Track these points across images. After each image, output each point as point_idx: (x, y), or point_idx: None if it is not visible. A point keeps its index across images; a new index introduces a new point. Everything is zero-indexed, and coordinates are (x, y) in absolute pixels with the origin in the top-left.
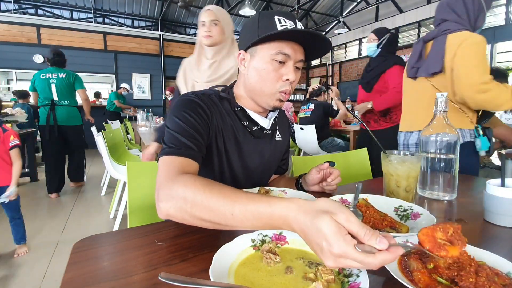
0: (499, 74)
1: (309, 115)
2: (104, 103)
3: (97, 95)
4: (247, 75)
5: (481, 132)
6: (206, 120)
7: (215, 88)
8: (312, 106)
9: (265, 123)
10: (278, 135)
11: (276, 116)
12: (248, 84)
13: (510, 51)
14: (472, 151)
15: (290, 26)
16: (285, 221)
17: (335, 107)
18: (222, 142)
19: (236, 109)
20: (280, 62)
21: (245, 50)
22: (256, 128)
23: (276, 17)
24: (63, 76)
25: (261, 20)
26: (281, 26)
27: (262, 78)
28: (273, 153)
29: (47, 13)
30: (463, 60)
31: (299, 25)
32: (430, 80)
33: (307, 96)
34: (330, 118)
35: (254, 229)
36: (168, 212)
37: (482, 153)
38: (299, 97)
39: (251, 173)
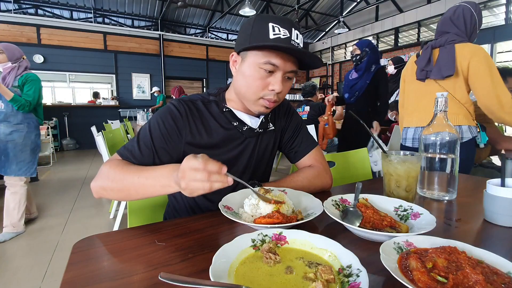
0: (510, 73)
1: (305, 118)
2: (104, 103)
3: (96, 95)
4: (236, 78)
5: (479, 128)
6: (175, 130)
7: (211, 91)
8: (307, 108)
9: (254, 123)
10: (270, 125)
11: (269, 114)
12: (236, 86)
13: (510, 51)
14: (474, 145)
15: (283, 35)
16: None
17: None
18: (206, 144)
19: (224, 110)
20: (269, 72)
21: (238, 53)
22: (246, 127)
23: (270, 24)
24: None
25: (255, 25)
26: (274, 34)
27: (248, 84)
28: (265, 147)
29: (47, 13)
30: (481, 78)
31: (294, 34)
32: (439, 83)
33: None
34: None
35: (152, 189)
36: (95, 189)
37: (482, 146)
38: (299, 97)
39: (245, 169)
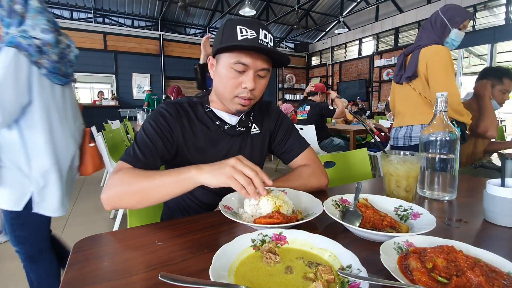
0: (506, 74)
1: (306, 118)
2: (104, 103)
3: (101, 93)
4: (214, 79)
5: (455, 124)
6: (167, 128)
7: (198, 95)
8: (307, 107)
9: (234, 120)
10: (254, 128)
11: (249, 112)
12: (214, 87)
13: (510, 51)
14: None
15: (251, 36)
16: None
17: (330, 107)
18: (193, 145)
19: (206, 110)
20: (241, 71)
21: (213, 56)
22: (227, 126)
23: (238, 27)
24: None
25: (225, 29)
26: (241, 36)
27: (223, 84)
28: (251, 148)
29: None
30: (435, 76)
31: (262, 34)
32: (410, 85)
33: (304, 94)
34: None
35: (172, 190)
36: (109, 199)
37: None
38: (299, 97)
39: None
